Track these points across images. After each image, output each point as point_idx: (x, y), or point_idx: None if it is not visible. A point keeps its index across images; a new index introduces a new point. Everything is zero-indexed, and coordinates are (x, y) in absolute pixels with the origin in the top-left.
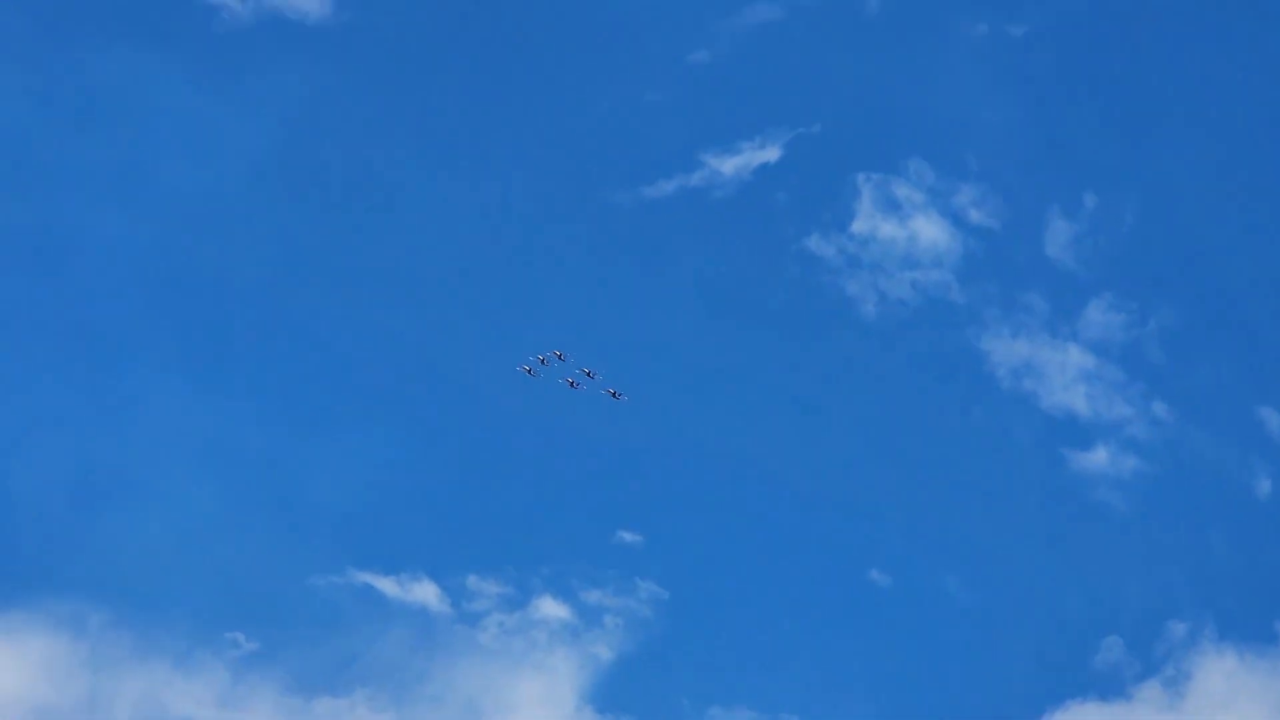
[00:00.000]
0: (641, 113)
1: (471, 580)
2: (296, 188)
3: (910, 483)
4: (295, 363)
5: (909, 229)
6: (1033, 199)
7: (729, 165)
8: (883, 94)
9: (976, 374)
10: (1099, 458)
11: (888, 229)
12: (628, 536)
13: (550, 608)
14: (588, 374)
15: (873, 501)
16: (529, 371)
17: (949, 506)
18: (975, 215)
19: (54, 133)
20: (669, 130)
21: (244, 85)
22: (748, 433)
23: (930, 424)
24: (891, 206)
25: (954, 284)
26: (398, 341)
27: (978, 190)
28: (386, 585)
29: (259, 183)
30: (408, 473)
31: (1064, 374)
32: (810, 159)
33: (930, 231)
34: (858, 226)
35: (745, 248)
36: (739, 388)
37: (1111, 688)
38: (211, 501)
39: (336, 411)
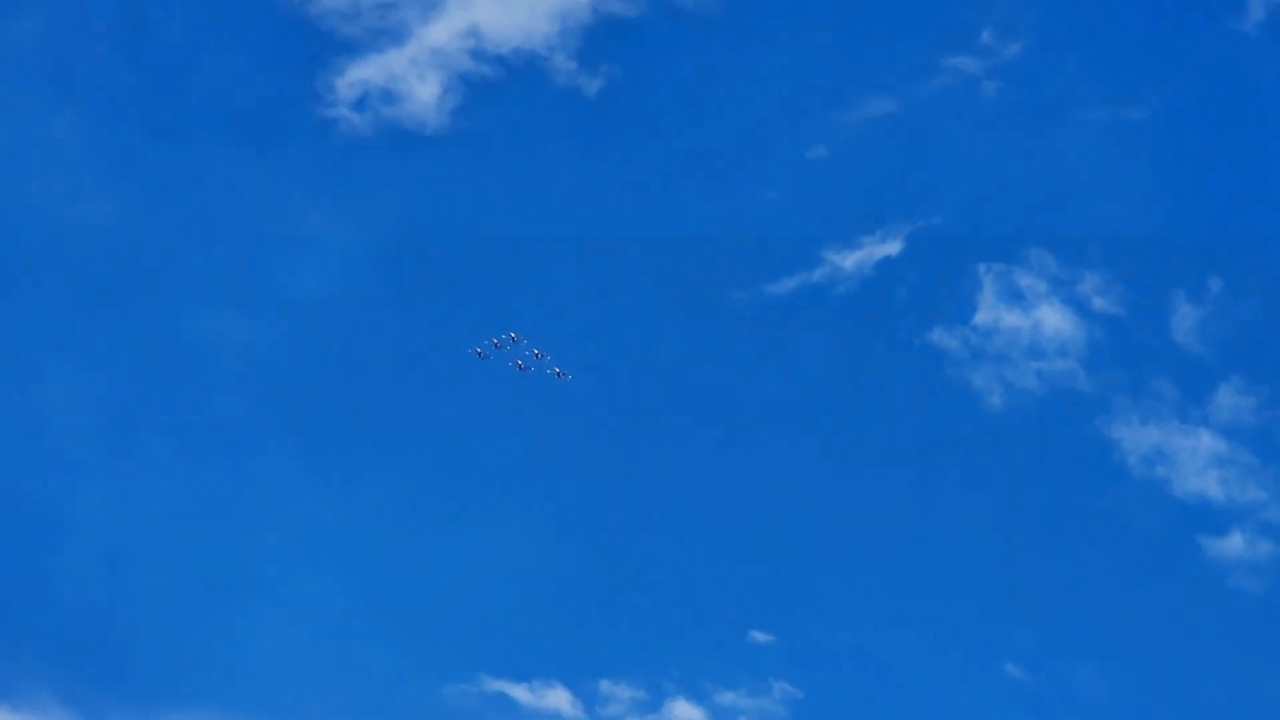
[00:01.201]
0: (761, 210)
1: (604, 685)
2: (415, 288)
3: (1043, 574)
4: (420, 460)
5: (1033, 318)
6: (1157, 284)
7: (850, 260)
8: (1002, 183)
9: (1106, 462)
10: (1234, 543)
11: (1011, 319)
12: (760, 636)
13: (684, 711)
14: (537, 355)
15: (1006, 594)
16: (480, 354)
17: (1083, 597)
18: (1099, 303)
19: (173, 239)
20: (789, 227)
21: (361, 191)
22: (877, 528)
23: (1061, 514)
24: (1014, 296)
25: (1080, 372)
26: (522, 437)
27: (1101, 277)
28: (520, 693)
29: (376, 284)
30: (537, 573)
31: (1196, 459)
32: (931, 251)
33: (1054, 320)
34: (981, 318)
35: (868, 342)
36: (867, 483)
37: None
38: (339, 604)
39: (463, 509)
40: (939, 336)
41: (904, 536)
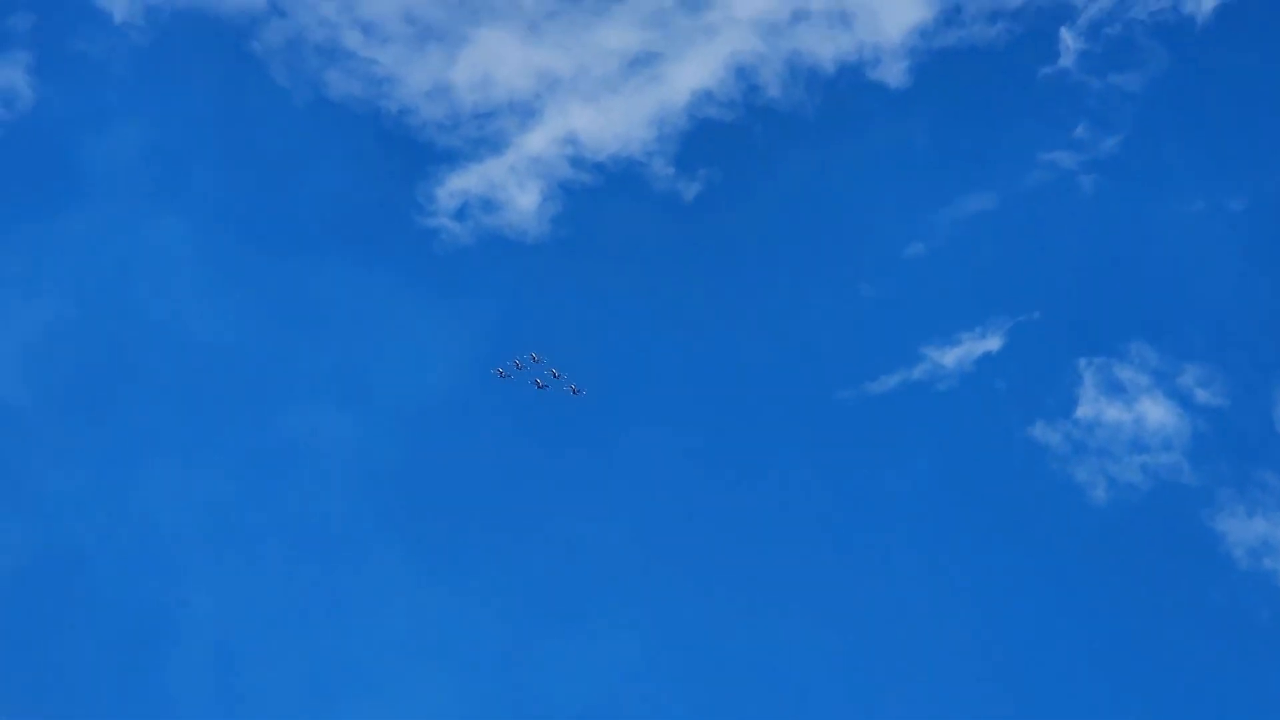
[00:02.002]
0: (860, 308)
1: None
2: (515, 391)
3: (1151, 667)
4: (525, 559)
5: (1135, 412)
6: (1259, 374)
7: (950, 357)
8: (1101, 276)
9: (1213, 555)
10: None
11: (1113, 413)
12: None
13: None
14: (555, 374)
15: (1116, 689)
16: (503, 375)
17: (1193, 692)
18: (1202, 395)
19: (279, 344)
20: (888, 325)
21: (463, 297)
22: (987, 624)
23: (1169, 608)
24: (1116, 390)
25: (1185, 465)
26: (630, 537)
27: (1203, 369)
28: None
29: (480, 386)
30: (643, 672)
31: None
32: (1031, 346)
33: (1157, 413)
34: (1083, 412)
35: (971, 438)
36: (974, 580)
37: None
38: (447, 702)
39: (569, 608)
40: (1041, 431)
41: (1012, 632)
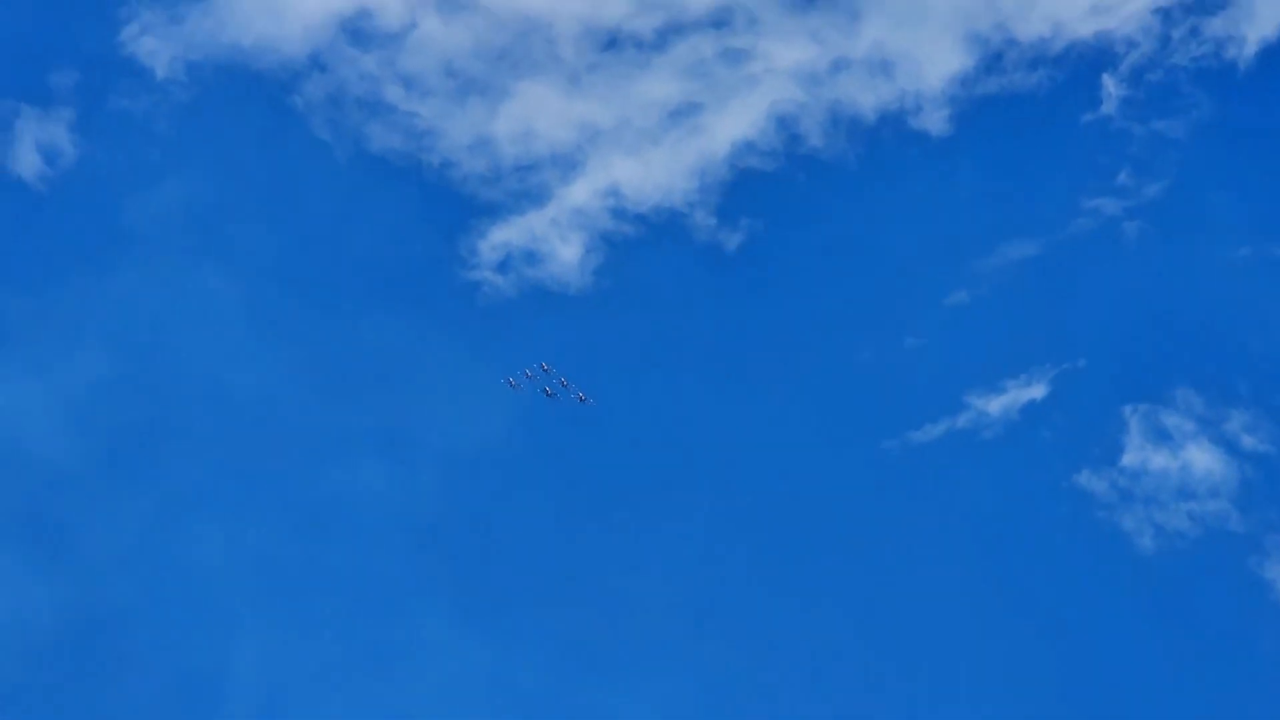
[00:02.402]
0: (904, 357)
1: None
2: (560, 442)
3: (1201, 716)
4: (569, 611)
5: (1181, 459)
6: None
7: (995, 405)
8: (1145, 323)
9: (1262, 603)
10: None
11: (1159, 460)
12: None
13: None
14: (563, 383)
15: None
16: (514, 385)
17: None
18: (1248, 441)
19: (323, 397)
20: (932, 373)
21: (506, 350)
22: (1032, 674)
23: (1217, 656)
24: (1161, 437)
25: (1232, 512)
26: (673, 588)
27: (1249, 415)
28: None
29: (523, 438)
30: None
31: None
32: (1076, 394)
33: (1203, 460)
34: (1128, 459)
35: (1016, 487)
36: (1020, 629)
37: None
38: None
39: (615, 661)
40: (1087, 479)
41: (1062, 681)
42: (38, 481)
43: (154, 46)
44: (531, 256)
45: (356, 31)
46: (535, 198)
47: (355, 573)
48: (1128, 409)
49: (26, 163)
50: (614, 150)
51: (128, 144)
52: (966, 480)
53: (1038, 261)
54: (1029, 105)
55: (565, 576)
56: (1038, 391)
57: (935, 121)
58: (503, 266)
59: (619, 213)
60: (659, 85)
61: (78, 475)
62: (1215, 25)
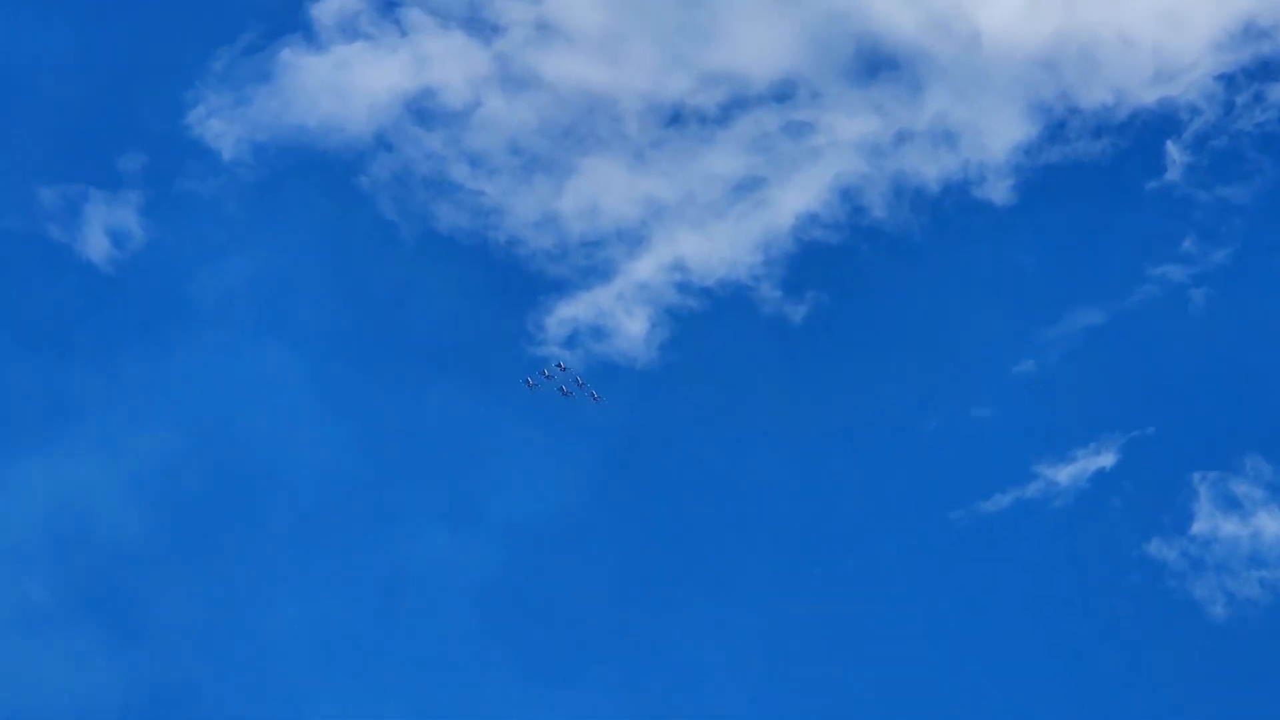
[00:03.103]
0: (971, 427)
1: None
2: (627, 513)
3: None
4: (640, 679)
5: (1251, 526)
6: None
7: (1064, 474)
8: (1214, 390)
9: None
10: None
11: (1229, 528)
12: None
13: None
14: (580, 383)
15: None
16: (531, 385)
17: None
18: None
19: (388, 469)
20: (1000, 443)
21: (574, 424)
22: None
23: None
24: (1231, 504)
25: None
26: (742, 656)
27: None
28: None
29: (591, 509)
30: None
31: None
32: (1146, 462)
33: (1274, 528)
34: (1198, 527)
35: (1086, 556)
36: (1092, 699)
37: None
38: None
39: None
40: (1157, 548)
41: None
42: (106, 558)
43: (220, 128)
44: (598, 332)
45: (421, 111)
46: (601, 273)
47: (424, 643)
48: (1197, 476)
49: (95, 246)
50: (679, 225)
51: (195, 225)
52: (1036, 550)
53: (1104, 329)
54: (1093, 173)
55: (633, 645)
56: (1107, 460)
57: (999, 191)
58: (569, 342)
59: (684, 287)
60: (723, 159)
61: (145, 551)
62: (1278, 91)
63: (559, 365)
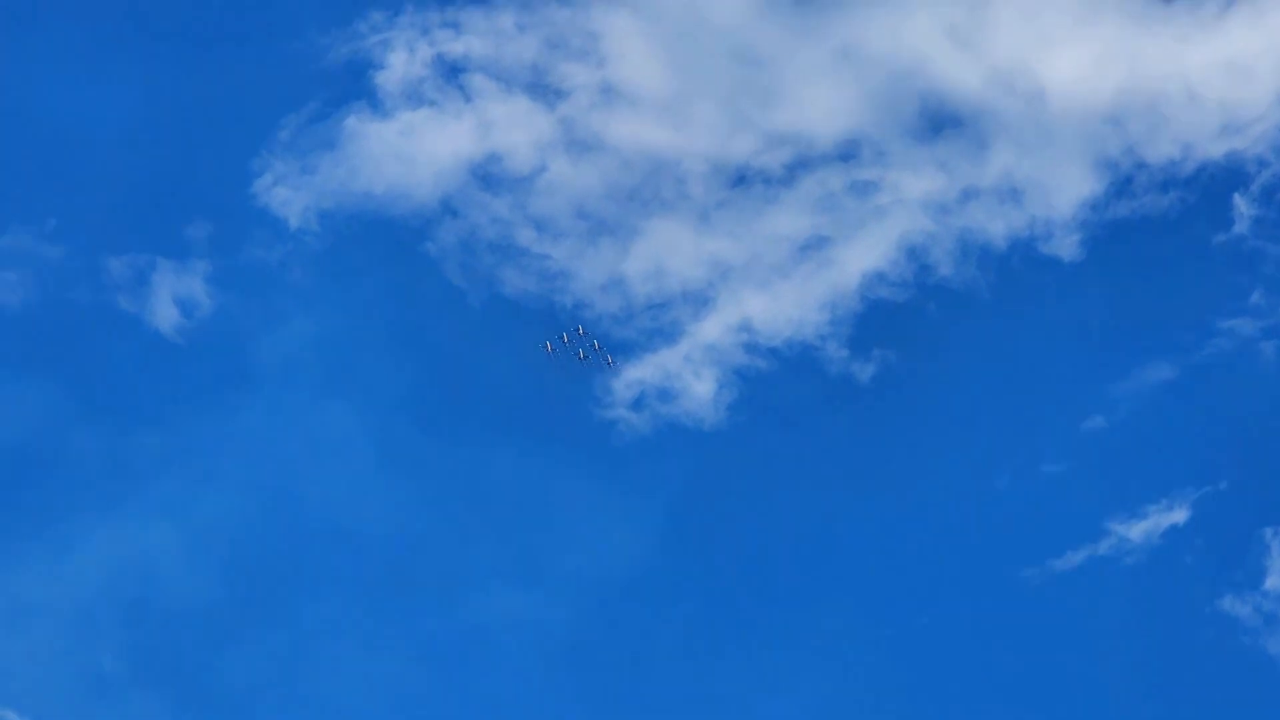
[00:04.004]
0: (1042, 484)
1: None
2: (694, 571)
3: None
4: None
5: None
6: None
7: (1136, 531)
8: None
9: None
10: None
11: None
12: None
13: None
14: (596, 346)
15: None
16: (550, 349)
17: None
18: None
19: (455, 531)
20: (1071, 500)
21: (641, 485)
22: None
23: None
24: None
25: None
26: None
27: None
28: None
29: (659, 571)
30: None
31: None
32: (1218, 517)
33: None
34: (1271, 583)
35: (1159, 613)
36: None
37: None
38: None
39: None
40: (1230, 604)
41: None
42: (172, 622)
43: (286, 196)
44: (665, 394)
45: (487, 176)
46: (667, 335)
47: (491, 703)
48: (1269, 531)
49: (163, 315)
50: (745, 286)
51: (262, 293)
52: (1109, 607)
53: (1174, 384)
54: (1160, 228)
55: (702, 704)
56: (1179, 516)
57: (1066, 247)
58: (637, 404)
59: (751, 347)
60: (788, 220)
61: (212, 615)
62: None
63: (578, 329)
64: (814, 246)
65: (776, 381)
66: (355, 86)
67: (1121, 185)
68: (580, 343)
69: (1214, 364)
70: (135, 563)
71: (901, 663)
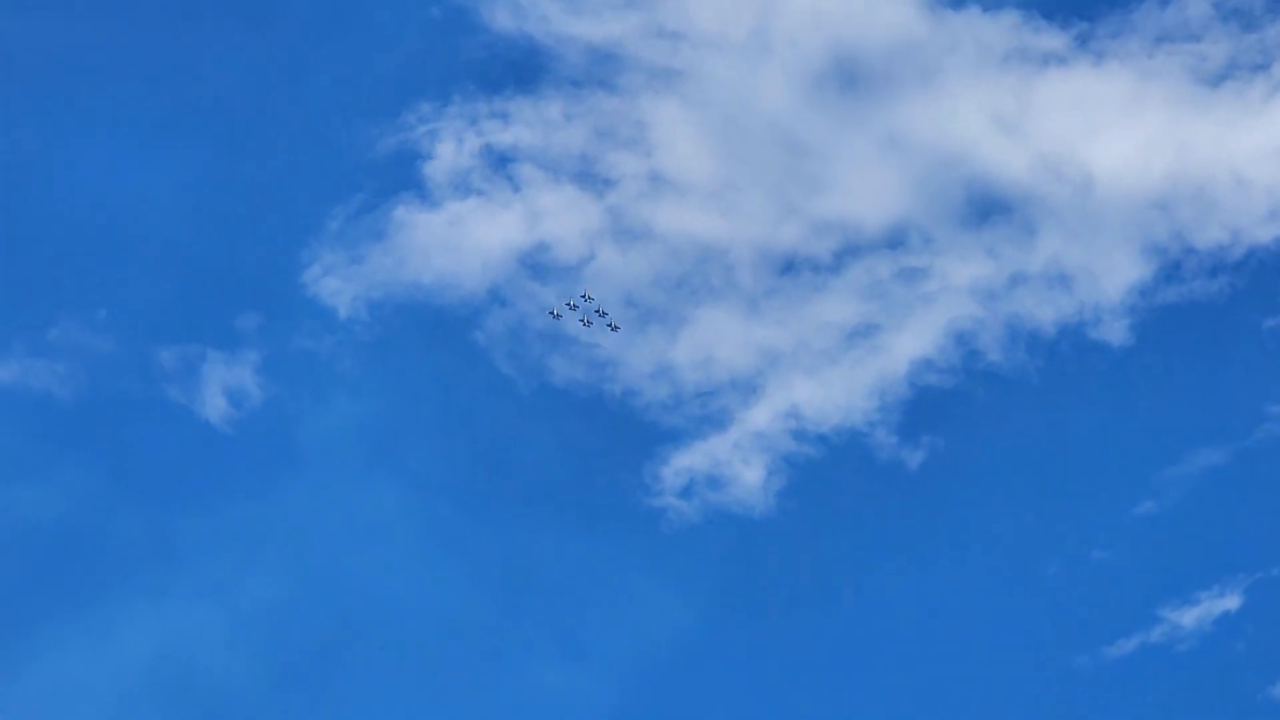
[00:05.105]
0: (1093, 571)
1: None
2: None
3: None
4: None
5: None
6: None
7: (1189, 617)
8: None
9: None
10: None
11: None
12: None
13: None
14: (600, 313)
15: None
16: (557, 315)
17: None
18: None
19: (501, 609)
20: (1123, 587)
21: (691, 572)
22: None
23: None
24: None
25: None
26: None
27: None
28: None
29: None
30: None
31: None
32: (1271, 603)
33: None
34: None
35: (1212, 700)
36: None
37: None
38: None
39: None
40: None
41: None
42: (215, 705)
43: (336, 287)
44: (715, 481)
45: (536, 265)
46: (717, 422)
47: None
48: None
49: (213, 406)
50: (793, 372)
51: (312, 383)
52: (1162, 694)
53: (1225, 469)
54: (1210, 312)
55: None
56: (1231, 602)
57: (1115, 332)
58: (686, 492)
59: (800, 434)
60: (836, 307)
61: (256, 697)
62: None
63: (584, 295)
64: (862, 333)
65: (825, 468)
66: (404, 177)
67: (1170, 270)
68: (585, 309)
69: (1264, 449)
70: (179, 645)
71: None
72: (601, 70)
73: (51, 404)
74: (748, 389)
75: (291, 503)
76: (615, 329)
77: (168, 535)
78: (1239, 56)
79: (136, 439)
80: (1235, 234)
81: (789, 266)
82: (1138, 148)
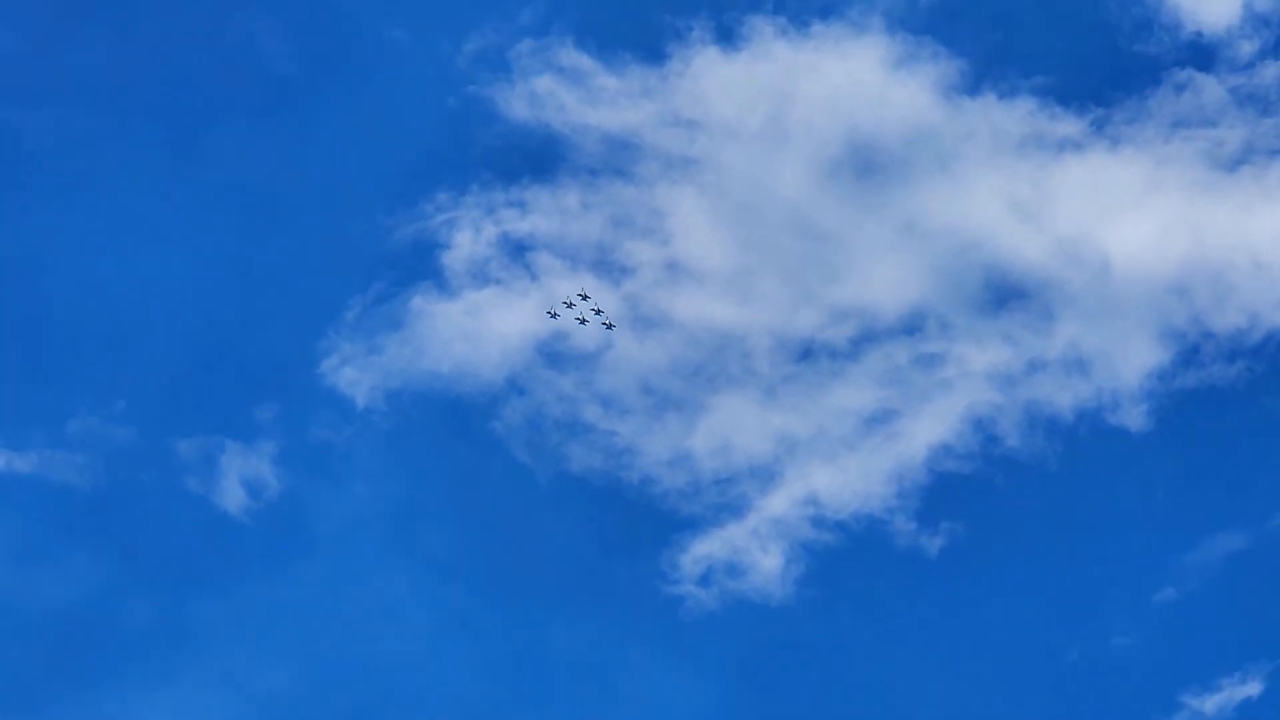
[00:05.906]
0: (1113, 657)
1: None
2: None
3: None
4: None
5: None
6: None
7: (1210, 704)
8: None
9: None
10: None
11: None
12: None
13: None
14: (596, 311)
15: None
16: (555, 315)
17: None
18: None
19: (517, 701)
20: (1144, 674)
21: (709, 660)
22: None
23: None
24: None
25: None
26: None
27: None
28: None
29: None
30: None
31: None
32: None
33: None
34: None
35: None
36: None
37: None
38: None
39: None
40: None
41: None
42: None
43: (354, 377)
44: (733, 569)
45: (553, 354)
46: (735, 510)
47: None
48: None
49: (231, 497)
50: (811, 459)
51: (330, 473)
52: None
53: (1245, 555)
54: (1229, 397)
55: None
56: (1253, 689)
57: (1134, 417)
58: (704, 580)
59: (818, 521)
60: (854, 393)
61: None
62: None
63: (580, 294)
64: (880, 420)
65: (844, 555)
66: (421, 266)
67: (1188, 355)
68: (582, 308)
69: None
70: None
71: None
72: (618, 159)
73: (70, 495)
74: (766, 476)
75: (309, 592)
76: (610, 326)
77: (185, 624)
78: (1255, 141)
79: (155, 530)
80: (1253, 318)
81: (806, 353)
82: (1155, 233)
